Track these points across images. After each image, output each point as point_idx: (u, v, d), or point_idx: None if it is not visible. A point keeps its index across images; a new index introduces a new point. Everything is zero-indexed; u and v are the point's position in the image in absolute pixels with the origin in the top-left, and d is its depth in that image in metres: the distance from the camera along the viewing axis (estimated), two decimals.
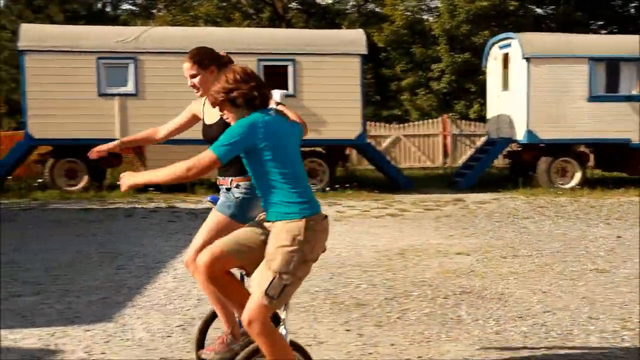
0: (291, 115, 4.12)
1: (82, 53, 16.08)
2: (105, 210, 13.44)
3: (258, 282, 3.72)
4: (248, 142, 3.70)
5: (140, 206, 14.11)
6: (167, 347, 5.44)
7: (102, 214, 13.04)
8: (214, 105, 3.93)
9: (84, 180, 16.33)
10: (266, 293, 3.67)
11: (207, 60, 4.63)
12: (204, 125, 4.67)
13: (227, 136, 3.69)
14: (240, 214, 4.44)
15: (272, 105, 4.06)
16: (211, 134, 4.47)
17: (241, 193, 4.46)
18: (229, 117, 3.90)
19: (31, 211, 13.40)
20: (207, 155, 3.68)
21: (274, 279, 3.67)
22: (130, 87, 16.25)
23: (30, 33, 16.44)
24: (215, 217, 4.55)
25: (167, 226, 11.62)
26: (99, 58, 16.12)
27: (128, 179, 3.86)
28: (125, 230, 11.21)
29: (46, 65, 16.00)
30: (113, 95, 16.18)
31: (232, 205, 4.48)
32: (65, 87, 15.98)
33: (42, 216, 12.74)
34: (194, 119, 4.96)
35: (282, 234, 3.72)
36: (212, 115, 4.64)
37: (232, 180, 4.50)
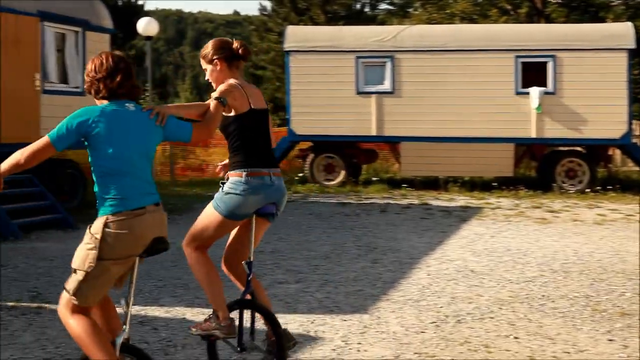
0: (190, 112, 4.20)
1: (342, 52, 16.70)
2: (361, 205, 13.83)
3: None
4: (79, 130, 3.69)
5: (394, 202, 14.36)
6: (421, 342, 5.46)
7: (358, 208, 13.44)
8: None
9: (341, 175, 16.94)
10: (64, 286, 3.72)
11: (212, 53, 4.50)
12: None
13: (61, 124, 3.74)
14: (224, 208, 4.41)
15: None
16: (223, 123, 4.46)
17: (227, 187, 4.44)
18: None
19: (292, 203, 14.12)
20: (43, 139, 3.77)
21: (71, 274, 3.70)
22: (387, 85, 16.58)
23: (295, 34, 17.36)
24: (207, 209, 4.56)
25: (420, 223, 11.71)
26: (358, 57, 16.63)
27: None
28: (379, 224, 11.47)
29: (309, 65, 16.80)
30: (370, 93, 16.60)
31: (219, 198, 4.45)
32: (325, 85, 16.67)
33: (303, 208, 13.38)
34: None
35: (87, 230, 3.72)
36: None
37: (228, 174, 4.52)
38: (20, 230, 9.82)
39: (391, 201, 14.51)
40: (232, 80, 4.42)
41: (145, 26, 18.64)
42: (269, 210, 4.52)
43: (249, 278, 4.60)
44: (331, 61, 16.77)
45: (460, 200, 14.58)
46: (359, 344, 5.42)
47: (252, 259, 4.63)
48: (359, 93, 16.63)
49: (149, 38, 19.25)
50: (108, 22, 13.55)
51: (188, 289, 7.07)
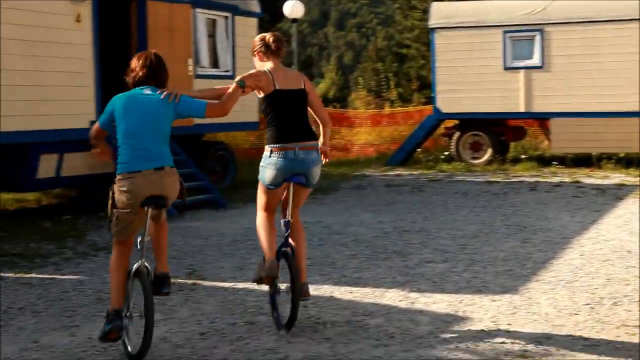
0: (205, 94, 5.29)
1: (488, 27, 16.33)
2: (509, 184, 13.54)
3: None
4: (108, 110, 4.87)
5: (543, 180, 13.96)
6: (574, 324, 5.31)
7: (506, 187, 13.16)
8: None
9: (488, 154, 16.61)
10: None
11: (252, 48, 5.51)
12: None
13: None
14: (260, 178, 5.36)
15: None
16: (260, 105, 5.62)
17: (261, 160, 5.35)
18: None
19: (438, 182, 14.01)
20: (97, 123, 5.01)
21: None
22: (536, 60, 16.07)
23: (440, 11, 17.13)
24: None
25: (571, 201, 11.33)
26: (505, 32, 16.21)
27: None
28: (529, 203, 11.19)
29: (454, 41, 16.55)
30: (518, 68, 16.16)
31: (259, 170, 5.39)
32: (471, 61, 16.38)
33: (449, 187, 13.24)
34: None
35: None
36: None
37: None
38: (176, 210, 10.28)
39: (541, 179, 14.10)
40: (262, 68, 5.37)
41: (291, 9, 18.99)
42: (298, 180, 5.32)
43: (287, 234, 5.41)
44: (477, 37, 16.45)
45: (615, 177, 13.96)
46: (509, 324, 5.34)
47: (289, 219, 5.43)
48: (507, 69, 16.22)
49: (294, 20, 19.59)
50: (256, 7, 13.87)
51: (335, 267, 7.18)
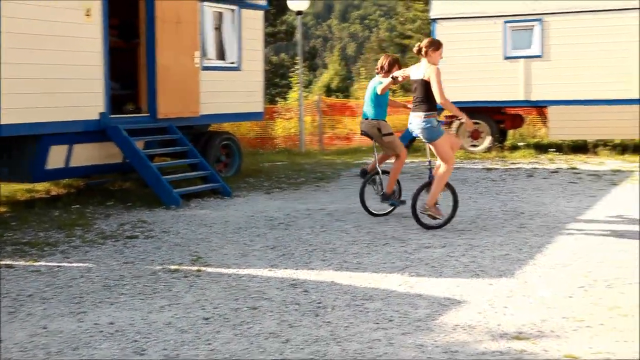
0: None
1: (489, 18, 16.48)
2: (507, 170, 13.68)
3: None
4: None
5: (541, 167, 14.11)
6: (568, 307, 5.45)
7: (504, 173, 13.30)
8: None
9: (487, 141, 16.76)
10: None
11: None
12: None
13: None
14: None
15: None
16: None
17: None
18: None
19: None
20: None
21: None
22: (535, 49, 16.21)
23: (442, 2, 17.24)
24: None
25: (567, 187, 11.48)
26: (506, 22, 16.36)
27: None
28: (526, 189, 11.33)
29: (455, 32, 16.69)
30: (518, 57, 16.30)
31: None
32: (472, 51, 16.54)
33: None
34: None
35: None
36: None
37: None
38: (182, 199, 10.44)
39: (538, 166, 14.25)
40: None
41: (296, 1, 19.06)
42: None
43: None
44: (478, 27, 16.60)
45: (611, 164, 14.12)
46: (505, 307, 5.48)
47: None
48: (507, 58, 16.37)
49: (299, 13, 19.68)
50: None
51: (336, 253, 7.34)
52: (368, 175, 9.36)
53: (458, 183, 12.14)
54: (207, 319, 5.37)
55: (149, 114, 11.63)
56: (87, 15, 10.39)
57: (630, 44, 15.41)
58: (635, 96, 15.39)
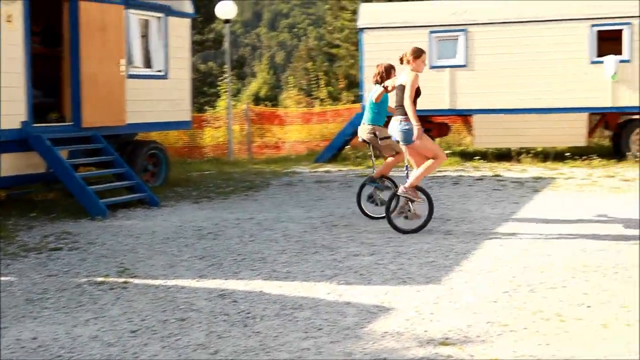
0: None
1: (415, 28, 16.73)
2: (433, 178, 13.85)
3: None
4: None
5: (466, 174, 14.37)
6: (494, 312, 5.55)
7: (430, 181, 13.46)
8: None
9: None
10: None
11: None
12: None
13: None
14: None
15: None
16: None
17: None
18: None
19: (364, 177, 14.21)
20: None
21: None
22: (460, 59, 16.54)
23: (369, 12, 17.47)
24: None
25: (492, 194, 11.72)
26: (431, 32, 16.63)
27: None
28: (452, 197, 11.53)
29: (382, 41, 16.87)
30: (444, 67, 16.59)
31: None
32: (398, 61, 16.69)
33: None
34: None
35: None
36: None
37: None
38: (108, 209, 10.27)
39: (463, 173, 14.51)
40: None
41: (224, 9, 18.99)
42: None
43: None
44: (404, 37, 16.75)
45: (533, 171, 14.48)
46: (432, 313, 5.55)
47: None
48: (432, 67, 16.62)
49: (227, 21, 19.61)
50: (188, 7, 13.87)
51: (265, 263, 7.33)
52: (367, 178, 9.92)
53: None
54: (134, 331, 5.29)
55: (73, 123, 11.41)
56: (9, 21, 10.14)
57: (549, 54, 15.91)
58: (558, 105, 15.89)
